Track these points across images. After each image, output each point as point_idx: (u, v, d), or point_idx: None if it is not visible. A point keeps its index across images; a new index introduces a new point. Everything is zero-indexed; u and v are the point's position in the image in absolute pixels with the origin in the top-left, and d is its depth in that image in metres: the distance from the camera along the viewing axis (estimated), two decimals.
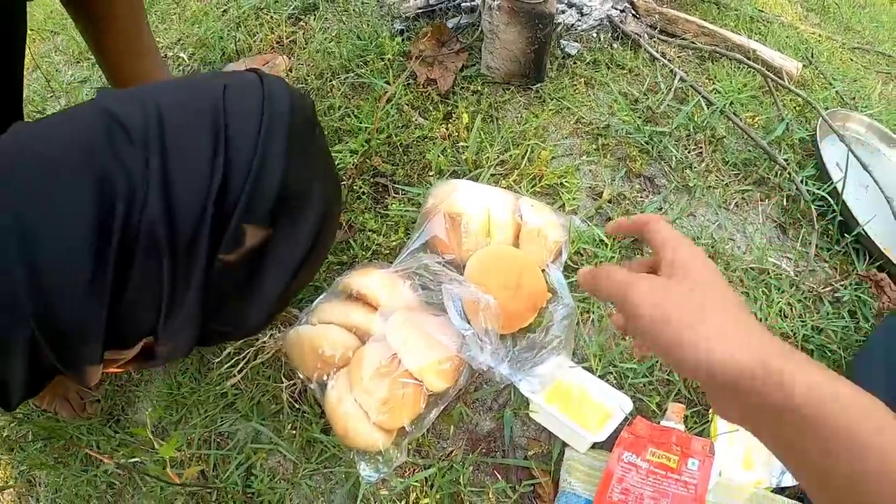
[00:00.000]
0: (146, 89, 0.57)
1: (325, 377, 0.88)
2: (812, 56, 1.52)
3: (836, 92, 1.45)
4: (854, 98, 1.49)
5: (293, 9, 1.45)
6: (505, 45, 1.13)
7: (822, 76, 1.48)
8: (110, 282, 0.48)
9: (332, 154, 1.09)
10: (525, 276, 0.91)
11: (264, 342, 0.93)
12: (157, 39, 1.37)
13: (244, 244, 0.55)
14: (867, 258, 1.14)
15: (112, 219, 0.47)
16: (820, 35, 1.68)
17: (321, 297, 0.94)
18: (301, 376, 0.91)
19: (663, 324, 0.38)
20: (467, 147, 1.03)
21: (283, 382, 0.93)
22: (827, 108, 1.37)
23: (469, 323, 0.85)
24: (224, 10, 1.53)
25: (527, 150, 1.06)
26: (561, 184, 1.03)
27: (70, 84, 1.60)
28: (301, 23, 1.41)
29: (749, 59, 1.36)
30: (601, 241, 0.99)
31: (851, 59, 1.70)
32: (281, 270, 0.62)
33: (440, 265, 0.90)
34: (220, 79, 0.58)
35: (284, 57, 1.28)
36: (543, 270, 0.95)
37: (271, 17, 1.44)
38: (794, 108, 1.33)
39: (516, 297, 0.90)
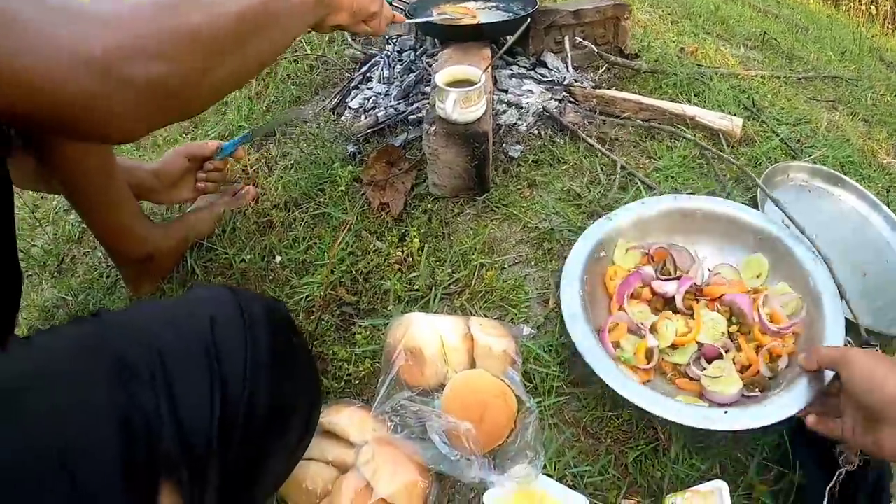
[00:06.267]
0: (144, 327, 0.69)
1: None
2: (754, 105, 1.58)
3: (781, 140, 1.50)
4: (799, 140, 1.55)
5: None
6: (446, 164, 1.21)
7: (764, 125, 1.54)
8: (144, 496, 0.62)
9: (302, 286, 1.19)
10: (495, 398, 1.01)
11: None
12: None
13: (245, 456, 0.71)
14: None
15: (136, 452, 0.60)
16: (762, 77, 1.74)
17: None
18: None
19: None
20: (419, 276, 1.12)
21: None
22: (771, 162, 1.43)
23: (454, 448, 0.96)
24: (193, 138, 1.64)
25: (476, 268, 1.14)
26: (510, 298, 1.11)
27: (56, 213, 1.66)
28: (263, 150, 1.51)
29: (689, 126, 1.43)
30: (549, 348, 1.07)
31: (797, 94, 1.75)
32: (275, 468, 0.80)
33: (414, 401, 1.00)
34: (205, 309, 0.72)
35: (251, 187, 1.38)
36: (504, 380, 1.04)
37: None
38: (738, 169, 1.39)
39: (490, 418, 1.00)
